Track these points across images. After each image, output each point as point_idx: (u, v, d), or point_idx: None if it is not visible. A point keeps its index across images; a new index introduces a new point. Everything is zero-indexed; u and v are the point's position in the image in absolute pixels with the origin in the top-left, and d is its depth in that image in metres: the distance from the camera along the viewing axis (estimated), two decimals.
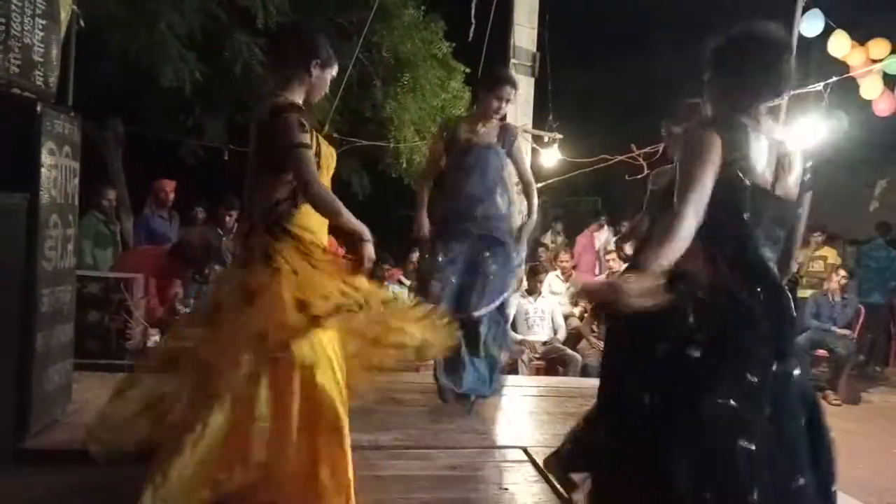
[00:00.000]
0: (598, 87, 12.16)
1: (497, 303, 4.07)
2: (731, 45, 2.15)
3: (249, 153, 2.67)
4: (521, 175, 4.30)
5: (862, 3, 7.65)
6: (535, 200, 4.31)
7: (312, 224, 2.59)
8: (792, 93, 5.45)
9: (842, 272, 8.13)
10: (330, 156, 2.73)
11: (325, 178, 2.67)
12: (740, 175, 2.02)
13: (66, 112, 3.49)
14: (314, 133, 2.60)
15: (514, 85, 4.16)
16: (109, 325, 4.69)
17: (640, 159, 7.19)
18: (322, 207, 2.53)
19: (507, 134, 4.22)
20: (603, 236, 9.40)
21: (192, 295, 5.86)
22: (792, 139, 2.21)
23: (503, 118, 4.33)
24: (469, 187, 4.08)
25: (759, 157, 2.06)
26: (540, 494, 3.03)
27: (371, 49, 8.36)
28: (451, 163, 4.17)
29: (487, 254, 4.05)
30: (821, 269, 8.94)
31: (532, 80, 7.42)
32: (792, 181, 2.13)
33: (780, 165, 2.10)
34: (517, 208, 4.42)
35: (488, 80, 4.18)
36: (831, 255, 9.06)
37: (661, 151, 5.16)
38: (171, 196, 7.10)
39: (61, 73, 3.50)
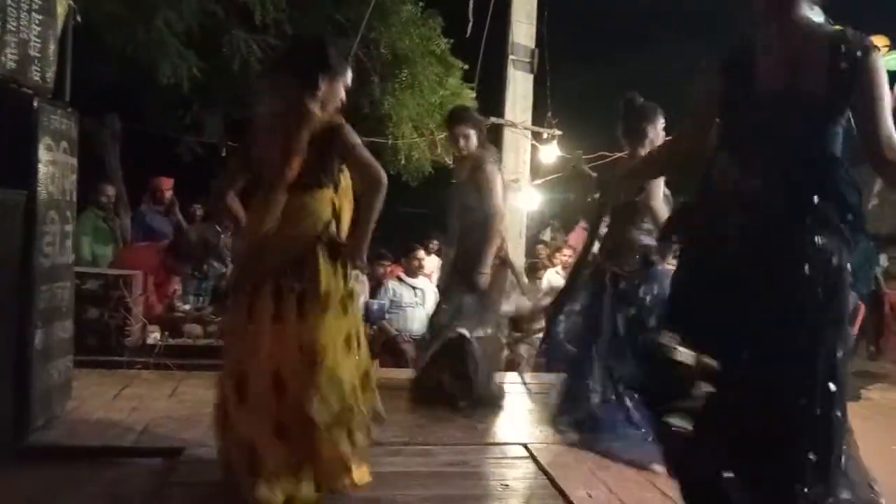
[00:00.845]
0: (597, 82, 12.15)
1: None
2: None
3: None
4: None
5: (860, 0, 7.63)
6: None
7: None
8: None
9: None
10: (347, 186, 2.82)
11: (347, 202, 2.79)
12: None
13: (63, 108, 3.47)
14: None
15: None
16: (109, 322, 4.68)
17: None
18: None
19: None
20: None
21: (190, 291, 5.85)
22: None
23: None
24: None
25: None
26: (541, 491, 3.02)
27: (369, 45, 8.34)
28: None
29: None
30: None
31: (531, 77, 7.41)
32: None
33: None
34: None
35: None
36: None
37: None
38: (169, 193, 7.09)
39: (58, 68, 3.48)
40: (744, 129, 2.02)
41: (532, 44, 7.32)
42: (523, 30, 7.21)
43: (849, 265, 1.93)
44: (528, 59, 7.30)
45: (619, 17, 11.37)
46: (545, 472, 3.17)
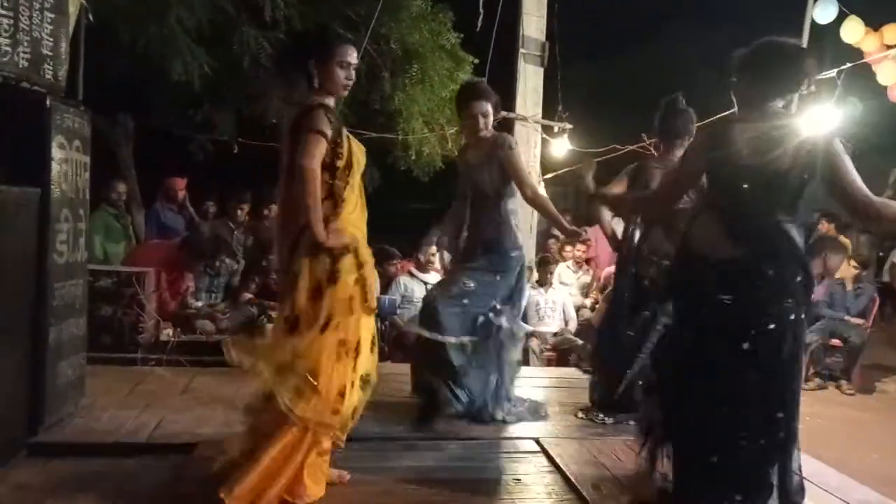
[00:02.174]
0: (609, 76, 12.10)
1: None
2: (752, 55, 2.56)
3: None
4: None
5: None
6: None
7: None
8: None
9: (854, 261, 8.06)
10: (360, 153, 2.79)
11: (356, 176, 2.76)
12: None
13: (75, 106, 3.49)
14: (343, 132, 2.69)
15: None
16: (122, 319, 4.71)
17: (651, 149, 7.13)
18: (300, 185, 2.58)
19: None
20: (619, 227, 9.32)
21: (203, 288, 5.88)
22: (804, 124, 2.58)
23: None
24: None
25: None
26: (553, 485, 3.02)
27: (379, 41, 8.31)
28: None
29: None
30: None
31: (541, 70, 7.36)
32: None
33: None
34: None
35: None
36: None
37: None
38: (182, 193, 7.13)
39: (71, 67, 3.50)
40: (726, 198, 2.51)
41: (543, 37, 7.27)
42: (534, 23, 7.17)
43: (803, 315, 2.43)
44: (538, 53, 7.25)
45: (628, 10, 11.29)
46: (557, 467, 3.16)
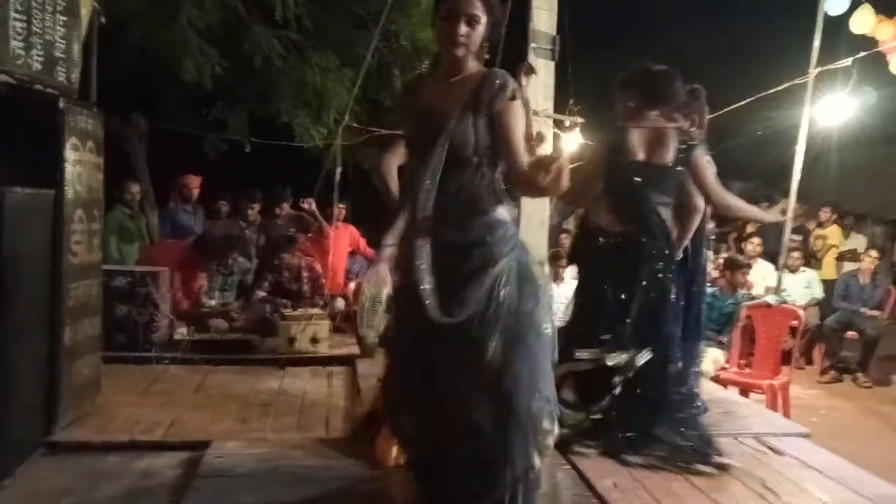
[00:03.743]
0: (618, 69, 12.03)
1: None
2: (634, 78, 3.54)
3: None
4: None
5: None
6: None
7: None
8: (819, 69, 5.35)
9: (873, 253, 8.00)
10: None
11: None
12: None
13: (88, 108, 3.52)
14: None
15: None
16: (136, 319, 4.75)
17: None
18: None
19: None
20: None
21: (216, 287, 5.91)
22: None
23: None
24: None
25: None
26: (567, 481, 3.01)
27: (389, 38, 8.32)
28: None
29: None
30: (819, 248, 8.86)
31: (552, 64, 7.33)
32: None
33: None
34: None
35: None
36: (834, 235, 8.91)
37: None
38: (196, 192, 7.16)
39: (83, 68, 3.52)
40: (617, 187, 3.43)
41: (553, 31, 7.22)
42: (544, 17, 7.12)
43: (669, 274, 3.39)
44: (549, 47, 7.20)
45: (641, 3, 11.24)
46: (571, 463, 3.16)
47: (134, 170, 8.08)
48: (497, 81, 2.21)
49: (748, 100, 5.88)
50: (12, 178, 2.93)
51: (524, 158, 2.16)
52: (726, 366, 5.73)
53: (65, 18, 3.29)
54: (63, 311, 3.23)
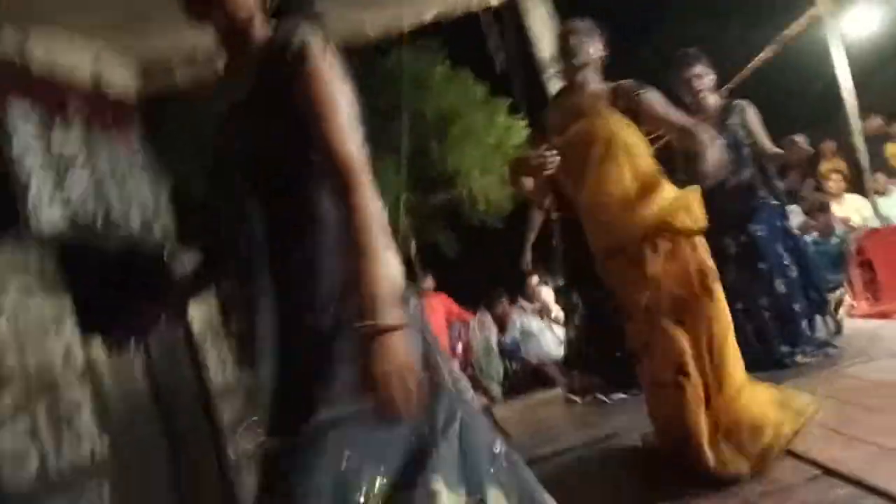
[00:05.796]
0: (625, 68, 12.18)
1: None
2: None
3: None
4: None
5: None
6: None
7: None
8: None
9: None
10: None
11: None
12: None
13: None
14: None
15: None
16: None
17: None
18: None
19: None
20: None
21: None
22: None
23: None
24: None
25: None
26: None
27: (416, 116, 8.71)
28: None
29: None
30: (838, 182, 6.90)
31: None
32: None
33: None
34: None
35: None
36: (844, 166, 7.33)
37: None
38: None
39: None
40: None
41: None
42: (546, 40, 7.38)
43: None
44: (559, 69, 7.43)
45: (640, 5, 11.55)
46: None
47: None
48: None
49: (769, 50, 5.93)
50: None
51: None
52: (854, 304, 5.46)
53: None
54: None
